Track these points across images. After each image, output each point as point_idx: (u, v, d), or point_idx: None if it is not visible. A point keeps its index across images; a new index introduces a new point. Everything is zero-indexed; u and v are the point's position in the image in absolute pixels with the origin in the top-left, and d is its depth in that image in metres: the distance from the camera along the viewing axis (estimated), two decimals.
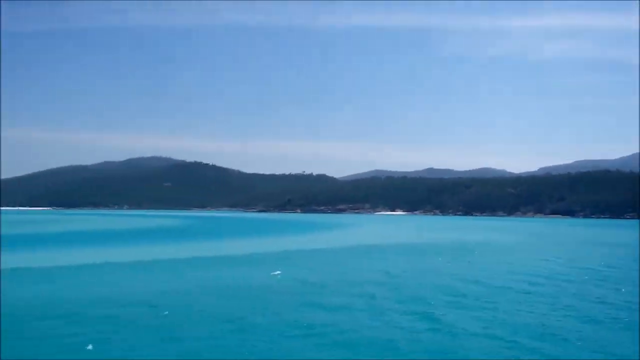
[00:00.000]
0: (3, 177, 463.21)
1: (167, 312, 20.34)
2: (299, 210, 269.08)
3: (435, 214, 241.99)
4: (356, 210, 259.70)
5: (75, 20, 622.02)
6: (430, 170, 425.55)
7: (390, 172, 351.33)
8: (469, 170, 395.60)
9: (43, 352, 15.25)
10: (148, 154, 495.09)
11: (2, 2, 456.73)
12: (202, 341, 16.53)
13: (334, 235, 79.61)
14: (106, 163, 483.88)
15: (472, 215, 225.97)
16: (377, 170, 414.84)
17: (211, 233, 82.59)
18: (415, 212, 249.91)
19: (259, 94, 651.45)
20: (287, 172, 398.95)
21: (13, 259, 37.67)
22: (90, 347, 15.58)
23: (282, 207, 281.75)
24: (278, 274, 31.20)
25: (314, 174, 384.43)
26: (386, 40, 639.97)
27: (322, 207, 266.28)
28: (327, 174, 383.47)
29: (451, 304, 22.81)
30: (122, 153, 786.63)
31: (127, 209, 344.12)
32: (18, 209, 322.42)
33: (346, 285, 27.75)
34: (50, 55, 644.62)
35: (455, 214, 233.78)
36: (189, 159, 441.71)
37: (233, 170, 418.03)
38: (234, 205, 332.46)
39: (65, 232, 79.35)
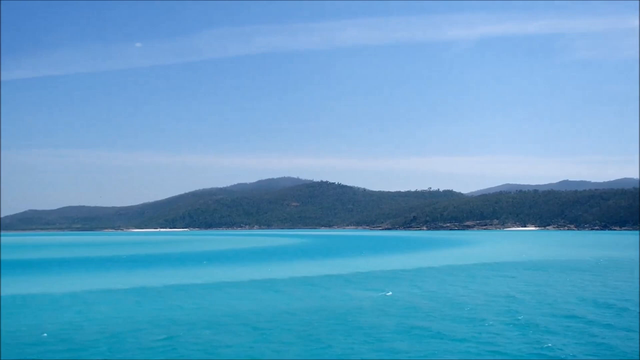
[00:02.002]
0: (148, 201, 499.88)
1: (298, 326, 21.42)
2: (424, 228, 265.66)
3: (569, 228, 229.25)
4: (484, 227, 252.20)
5: (206, 51, 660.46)
6: (565, 182, 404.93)
7: (521, 185, 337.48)
8: (608, 182, 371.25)
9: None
10: (278, 175, 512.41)
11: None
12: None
13: (457, 252, 77.42)
14: (239, 185, 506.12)
15: (610, 229, 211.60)
16: (507, 184, 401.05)
17: (334, 251, 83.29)
18: (548, 227, 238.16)
19: (384, 111, 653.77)
20: (413, 189, 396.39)
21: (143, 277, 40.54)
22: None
23: (408, 224, 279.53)
24: (390, 294, 31.18)
25: (441, 189, 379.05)
26: (509, 48, 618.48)
27: (447, 224, 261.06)
28: (454, 190, 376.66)
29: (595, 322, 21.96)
30: (254, 174, 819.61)
31: (257, 228, 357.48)
32: (159, 230, 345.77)
33: (472, 305, 27.16)
34: (186, 85, 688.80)
35: (592, 229, 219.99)
36: (316, 178, 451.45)
37: (358, 189, 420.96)
38: (359, 223, 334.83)
39: (199, 252, 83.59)
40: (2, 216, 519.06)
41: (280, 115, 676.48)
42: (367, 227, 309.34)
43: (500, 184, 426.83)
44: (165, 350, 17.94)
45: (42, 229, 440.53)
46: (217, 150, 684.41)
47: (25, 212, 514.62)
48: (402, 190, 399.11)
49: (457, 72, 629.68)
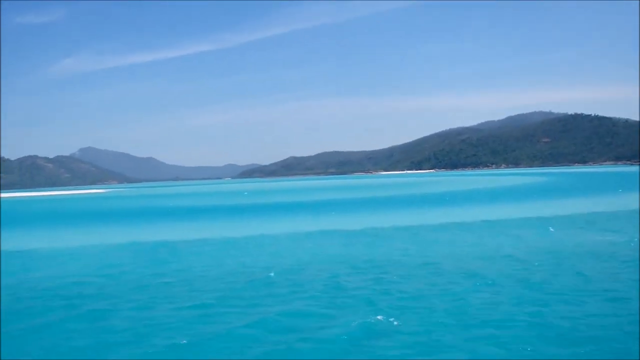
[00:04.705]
0: (396, 144, 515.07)
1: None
2: None
3: None
4: None
5: None
6: None
7: None
8: None
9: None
10: (528, 110, 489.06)
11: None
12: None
13: None
14: (487, 123, 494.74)
15: None
16: None
17: (580, 190, 76.38)
18: None
19: None
20: None
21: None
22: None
23: None
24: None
25: None
26: None
27: None
28: None
29: None
30: (503, 111, 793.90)
31: (504, 167, 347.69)
32: (405, 172, 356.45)
33: None
34: (435, 24, 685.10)
35: None
36: (571, 111, 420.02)
37: (619, 120, 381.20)
38: (619, 158, 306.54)
39: (434, 193, 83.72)
40: (268, 164, 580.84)
41: (526, 46, 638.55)
42: (628, 163, 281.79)
43: None
44: (372, 289, 18.48)
45: (302, 174, 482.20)
46: (464, 89, 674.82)
47: (287, 159, 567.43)
48: None
49: None
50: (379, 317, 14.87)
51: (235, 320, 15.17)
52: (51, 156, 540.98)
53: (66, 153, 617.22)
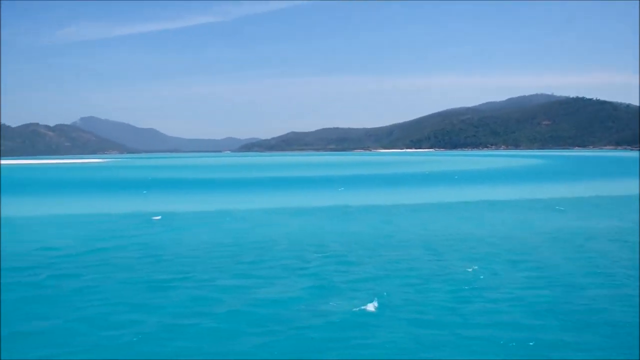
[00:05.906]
0: (397, 122, 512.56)
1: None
2: None
3: None
4: None
5: None
6: None
7: None
8: None
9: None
10: (530, 92, 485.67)
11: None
12: None
13: None
14: (488, 103, 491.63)
15: None
16: None
17: (573, 174, 76.76)
18: None
19: None
20: None
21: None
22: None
23: None
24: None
25: None
26: None
27: None
28: None
29: None
30: (505, 92, 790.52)
31: (504, 148, 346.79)
32: (404, 151, 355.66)
33: None
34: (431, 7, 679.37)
35: None
36: (573, 94, 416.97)
37: (620, 104, 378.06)
38: (619, 143, 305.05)
39: (425, 173, 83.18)
40: (268, 138, 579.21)
41: (529, 28, 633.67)
42: (628, 147, 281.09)
43: None
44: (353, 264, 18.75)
45: (301, 149, 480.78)
46: (467, 69, 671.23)
47: (287, 134, 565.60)
48: None
49: None
50: (361, 306, 13.96)
51: (184, 304, 14.24)
52: (52, 124, 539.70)
53: (67, 122, 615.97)
